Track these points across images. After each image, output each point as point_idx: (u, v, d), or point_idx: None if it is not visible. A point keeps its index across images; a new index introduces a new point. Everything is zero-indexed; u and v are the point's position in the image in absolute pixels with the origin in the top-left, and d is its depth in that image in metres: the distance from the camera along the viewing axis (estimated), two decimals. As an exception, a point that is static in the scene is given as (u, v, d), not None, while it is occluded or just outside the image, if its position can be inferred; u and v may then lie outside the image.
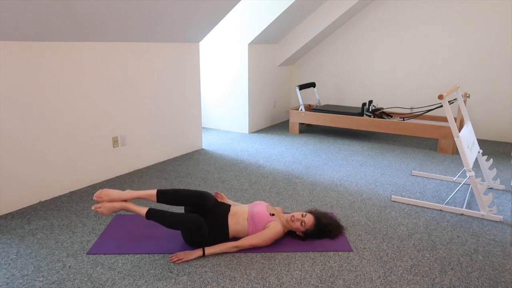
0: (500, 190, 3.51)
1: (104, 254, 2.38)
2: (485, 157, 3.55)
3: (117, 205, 2.36)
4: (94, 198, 2.35)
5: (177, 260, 2.27)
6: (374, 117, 5.13)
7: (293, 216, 2.52)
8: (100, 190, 2.39)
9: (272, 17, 5.05)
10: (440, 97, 2.94)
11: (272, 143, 5.08)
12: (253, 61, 5.50)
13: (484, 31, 5.11)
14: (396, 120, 5.00)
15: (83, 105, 3.39)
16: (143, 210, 2.32)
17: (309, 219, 2.51)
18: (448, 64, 5.41)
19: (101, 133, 3.58)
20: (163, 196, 2.41)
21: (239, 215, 2.51)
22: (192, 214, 2.37)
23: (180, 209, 2.94)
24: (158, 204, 3.09)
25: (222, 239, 2.46)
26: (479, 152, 3.43)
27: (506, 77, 5.09)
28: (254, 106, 5.68)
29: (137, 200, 3.14)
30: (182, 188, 2.52)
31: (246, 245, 2.40)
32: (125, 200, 2.40)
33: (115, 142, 3.71)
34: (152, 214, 2.30)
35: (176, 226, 2.30)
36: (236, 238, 2.51)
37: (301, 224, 2.48)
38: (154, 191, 2.41)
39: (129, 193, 2.40)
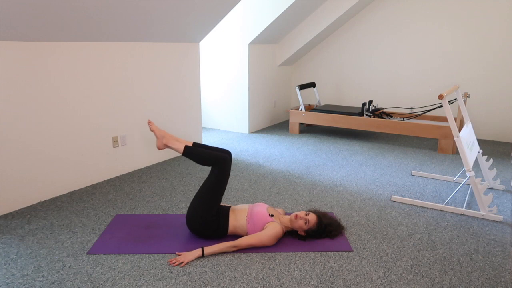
0: (500, 190, 3.51)
1: (104, 254, 2.38)
2: (485, 157, 3.55)
3: (163, 131, 2.61)
4: (148, 122, 2.63)
5: (178, 264, 2.27)
6: (374, 117, 5.13)
7: (297, 214, 2.52)
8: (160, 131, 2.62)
9: (272, 17, 5.05)
10: (440, 97, 2.94)
11: (272, 143, 5.08)
12: (253, 61, 5.50)
13: (484, 31, 5.11)
14: (396, 120, 5.00)
15: (83, 105, 3.39)
16: (181, 145, 2.54)
17: (313, 218, 2.53)
18: (448, 64, 5.41)
19: (101, 133, 3.58)
20: (189, 152, 2.55)
21: (238, 212, 2.54)
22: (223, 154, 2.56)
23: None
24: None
25: (221, 233, 2.50)
26: (479, 152, 3.43)
27: (506, 77, 5.09)
28: (254, 106, 5.68)
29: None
30: (210, 148, 2.69)
31: (244, 245, 2.41)
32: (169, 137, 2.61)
33: (115, 142, 3.71)
34: (188, 149, 2.52)
35: (207, 157, 2.50)
36: (234, 235, 2.53)
37: (305, 223, 2.49)
38: (190, 142, 2.64)
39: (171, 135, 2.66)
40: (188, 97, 4.53)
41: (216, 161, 2.49)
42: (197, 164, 4.16)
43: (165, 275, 2.17)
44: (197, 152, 2.53)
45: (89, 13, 3.00)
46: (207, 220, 2.46)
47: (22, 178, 3.02)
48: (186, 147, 2.53)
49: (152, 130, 2.61)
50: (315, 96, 6.45)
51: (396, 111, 5.84)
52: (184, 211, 3.00)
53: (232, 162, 4.23)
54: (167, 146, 2.57)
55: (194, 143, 2.68)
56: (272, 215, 2.53)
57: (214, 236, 2.51)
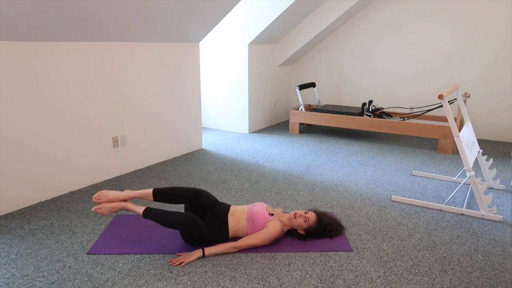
0: (500, 190, 3.51)
1: (104, 254, 2.38)
2: (485, 157, 3.55)
3: (117, 205, 2.40)
4: (93, 199, 2.40)
5: (178, 264, 2.27)
6: (374, 117, 5.13)
7: (296, 213, 2.52)
8: (98, 192, 2.41)
9: (272, 17, 5.05)
10: (440, 97, 2.94)
11: (272, 143, 5.08)
12: (253, 61, 5.49)
13: (484, 31, 5.11)
14: (396, 120, 5.00)
15: (83, 105, 3.39)
16: (140, 210, 2.35)
17: (312, 216, 2.53)
18: (448, 64, 5.41)
19: (101, 133, 3.58)
20: (159, 195, 2.43)
21: (238, 214, 2.51)
22: (186, 212, 2.39)
23: (180, 207, 2.95)
24: (158, 203, 3.09)
25: (221, 238, 2.47)
26: (479, 152, 3.43)
27: (506, 77, 5.09)
28: (254, 106, 5.68)
29: (139, 201, 3.14)
30: (179, 186, 2.54)
31: (245, 245, 2.40)
32: (124, 200, 2.43)
33: (115, 142, 3.71)
34: (148, 213, 2.33)
35: (171, 224, 2.31)
36: (235, 238, 2.51)
37: (305, 221, 2.49)
38: (150, 190, 2.43)
39: (126, 193, 2.44)
40: (188, 97, 4.53)
41: (181, 227, 2.32)
42: (198, 165, 4.16)
43: (165, 275, 2.17)
44: (158, 219, 2.31)
45: (89, 13, 3.00)
46: (204, 244, 2.43)
47: (22, 178, 3.02)
48: (145, 213, 2.32)
49: (106, 215, 2.44)
50: (315, 96, 6.45)
51: (396, 111, 5.84)
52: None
53: (232, 162, 4.23)
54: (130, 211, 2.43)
55: (154, 191, 2.42)
56: (272, 214, 2.53)
57: (216, 243, 2.47)
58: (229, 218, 2.48)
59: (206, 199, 2.46)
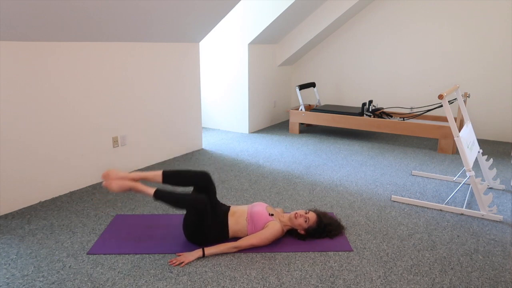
0: (500, 190, 3.51)
1: (104, 254, 2.38)
2: (485, 157, 3.55)
3: (127, 183, 2.37)
4: (102, 176, 2.37)
5: (178, 264, 2.27)
6: (374, 117, 5.13)
7: (297, 213, 2.52)
8: (107, 169, 2.38)
9: (272, 17, 5.05)
10: (440, 97, 2.94)
11: (272, 143, 5.08)
12: (253, 61, 5.49)
13: (484, 31, 5.11)
14: (396, 120, 5.00)
15: (83, 105, 3.39)
16: (151, 191, 2.32)
17: (313, 216, 2.53)
18: (448, 64, 5.41)
19: (101, 133, 3.58)
20: (168, 176, 2.45)
21: (238, 214, 2.51)
22: (198, 194, 2.39)
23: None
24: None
25: (222, 238, 2.47)
26: (479, 152, 3.43)
27: (506, 77, 5.09)
28: (254, 106, 5.68)
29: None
30: (188, 169, 2.54)
31: (245, 245, 2.40)
32: (133, 180, 2.41)
33: (115, 142, 3.71)
34: (159, 194, 2.31)
35: (182, 203, 2.30)
36: (235, 238, 2.51)
37: (305, 221, 2.49)
38: (159, 172, 2.46)
39: (136, 174, 2.44)
40: (188, 97, 4.53)
41: (192, 206, 2.32)
42: (197, 164, 4.16)
43: (165, 275, 2.17)
44: (169, 200, 2.30)
45: (89, 13, 3.00)
46: (205, 237, 2.43)
47: (22, 178, 3.02)
48: (156, 194, 2.30)
49: (115, 192, 2.37)
50: (315, 96, 6.45)
51: (396, 111, 5.84)
52: (184, 211, 2.99)
53: (232, 162, 4.23)
54: (138, 193, 2.42)
55: (164, 173, 2.44)
56: (272, 214, 2.53)
57: (216, 243, 2.47)
58: (229, 219, 2.48)
59: (213, 183, 2.51)
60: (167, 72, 4.19)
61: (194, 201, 2.31)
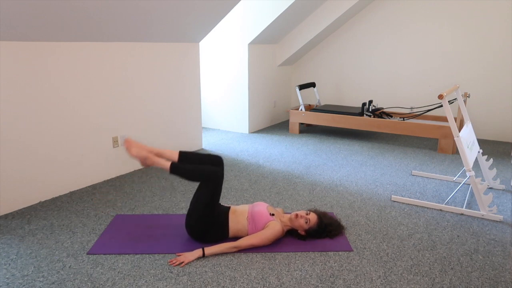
0: (500, 190, 3.51)
1: (104, 254, 2.38)
2: (485, 157, 3.55)
3: (144, 152, 2.43)
4: (124, 142, 2.45)
5: (178, 264, 2.27)
6: (374, 117, 5.13)
7: (298, 213, 2.52)
8: (127, 138, 2.48)
9: (272, 17, 5.05)
10: (440, 97, 2.94)
11: (272, 143, 5.08)
12: (253, 61, 5.49)
13: (484, 31, 5.11)
14: (396, 120, 5.00)
15: (83, 105, 3.39)
16: (167, 164, 2.37)
17: (313, 217, 2.53)
18: (448, 64, 5.41)
19: (101, 133, 3.58)
20: (185, 157, 2.50)
21: (239, 213, 2.52)
22: (213, 166, 2.46)
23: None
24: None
25: (222, 237, 2.48)
26: (479, 152, 3.43)
27: (506, 77, 5.09)
28: (254, 106, 5.68)
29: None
30: (199, 157, 2.58)
31: (245, 245, 2.40)
32: (150, 153, 2.47)
33: (115, 142, 3.71)
34: (175, 167, 2.37)
35: (198, 174, 2.37)
36: (236, 237, 2.51)
37: (306, 222, 2.49)
38: (176, 152, 2.51)
39: (154, 148, 2.52)
40: (188, 97, 4.53)
41: (207, 177, 2.38)
42: (197, 164, 4.16)
43: (165, 275, 2.17)
44: (185, 171, 2.38)
45: (89, 13, 3.00)
46: (206, 230, 2.45)
47: (22, 178, 3.02)
48: (172, 166, 2.36)
49: (132, 156, 2.42)
50: (315, 96, 6.45)
51: (396, 111, 5.84)
52: (184, 211, 3.00)
53: (232, 162, 4.23)
54: (153, 165, 2.47)
55: (181, 153, 2.54)
56: (272, 214, 2.53)
57: (216, 241, 2.49)
58: (230, 217, 2.49)
59: (221, 183, 2.50)
60: (167, 72, 4.19)
61: (209, 172, 2.37)
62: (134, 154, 2.42)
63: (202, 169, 2.39)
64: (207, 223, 2.43)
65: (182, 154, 2.54)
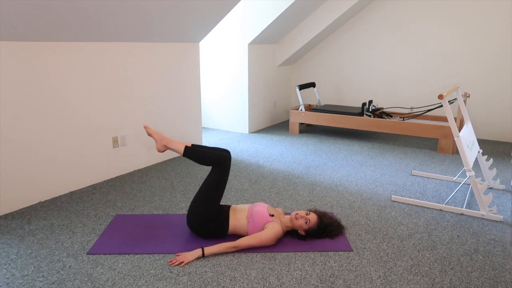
0: (500, 190, 3.51)
1: (104, 254, 2.38)
2: (485, 157, 3.55)
3: (160, 134, 2.60)
4: (144, 126, 2.59)
5: (178, 264, 2.27)
6: (374, 117, 5.13)
7: (298, 214, 2.52)
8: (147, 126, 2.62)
9: (272, 17, 5.05)
10: (440, 97, 2.94)
11: (272, 143, 5.08)
12: (253, 61, 5.50)
13: (484, 31, 5.11)
14: (396, 120, 5.00)
15: (83, 105, 3.39)
16: (181, 146, 2.52)
17: (313, 217, 2.53)
18: (448, 64, 5.41)
19: (101, 133, 3.58)
20: (190, 152, 2.55)
21: (239, 212, 2.54)
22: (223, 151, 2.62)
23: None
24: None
25: (221, 233, 2.50)
26: (479, 152, 3.43)
27: (506, 77, 5.09)
28: (254, 106, 5.68)
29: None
30: (209, 148, 2.63)
31: (244, 246, 2.40)
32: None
33: (115, 142, 3.71)
34: (188, 151, 2.52)
35: (209, 157, 2.51)
36: (234, 235, 2.53)
37: (306, 222, 2.49)
38: (183, 146, 2.56)
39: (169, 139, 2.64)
40: (188, 97, 4.53)
41: (217, 160, 2.50)
42: (197, 164, 4.16)
43: (165, 275, 2.17)
44: (198, 152, 2.53)
45: (89, 13, 3.00)
46: (208, 219, 2.46)
47: (22, 178, 3.02)
48: (187, 147, 2.53)
49: (149, 135, 2.60)
50: (315, 96, 6.45)
51: (396, 111, 5.84)
52: (184, 211, 3.00)
53: (232, 162, 4.23)
54: (167, 148, 2.57)
55: (193, 145, 2.67)
56: (272, 215, 2.53)
57: (214, 236, 2.51)
58: (230, 214, 2.53)
59: (228, 171, 2.58)
60: (167, 72, 4.19)
61: (219, 155, 2.51)
62: (151, 133, 2.58)
63: (213, 153, 2.53)
64: (210, 212, 2.46)
65: (194, 145, 2.63)
